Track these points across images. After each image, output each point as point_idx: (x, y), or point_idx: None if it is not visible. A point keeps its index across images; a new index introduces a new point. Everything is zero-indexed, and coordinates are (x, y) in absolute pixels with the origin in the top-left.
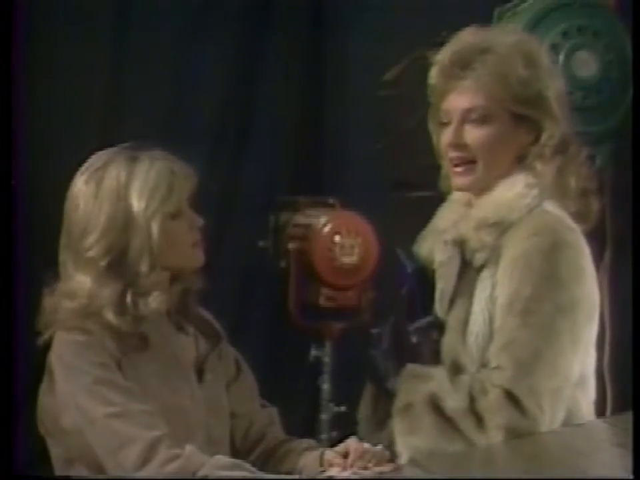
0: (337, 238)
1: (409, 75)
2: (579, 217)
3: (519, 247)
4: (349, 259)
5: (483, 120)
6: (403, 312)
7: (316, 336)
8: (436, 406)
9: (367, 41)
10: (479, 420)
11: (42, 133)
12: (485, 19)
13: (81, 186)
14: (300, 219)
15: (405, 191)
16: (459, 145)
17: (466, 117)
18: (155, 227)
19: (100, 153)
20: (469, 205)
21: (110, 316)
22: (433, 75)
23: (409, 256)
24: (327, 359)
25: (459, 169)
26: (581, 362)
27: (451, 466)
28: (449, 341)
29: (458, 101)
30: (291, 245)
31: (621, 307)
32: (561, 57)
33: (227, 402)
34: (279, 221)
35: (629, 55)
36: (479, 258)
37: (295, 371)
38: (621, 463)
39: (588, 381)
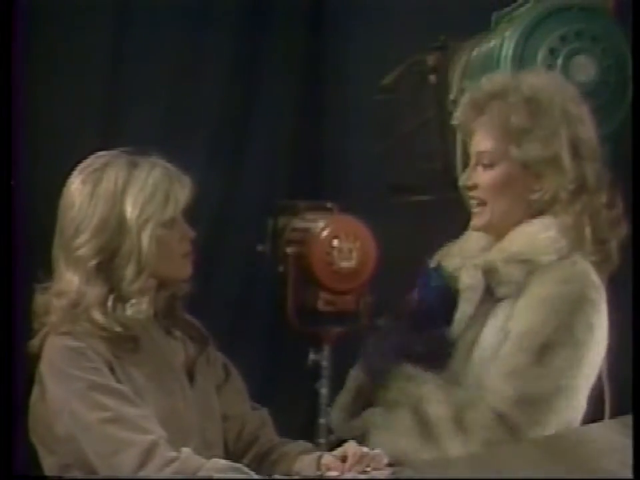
0: (336, 242)
1: (407, 80)
2: (598, 265)
3: (547, 290)
4: (347, 263)
5: (490, 163)
6: (415, 319)
7: (314, 340)
8: (421, 409)
9: (366, 44)
10: (462, 430)
11: (42, 133)
12: (483, 23)
13: (78, 185)
14: (298, 223)
15: (404, 195)
16: (469, 186)
17: (479, 160)
18: (145, 235)
19: (100, 153)
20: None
21: (97, 316)
22: (456, 116)
23: (437, 270)
24: (325, 363)
25: (475, 210)
26: (572, 407)
27: (447, 468)
28: (453, 363)
29: (474, 143)
30: (289, 249)
31: (619, 311)
32: (559, 62)
33: (218, 405)
34: (277, 225)
35: (628, 59)
36: (502, 290)
37: (293, 375)
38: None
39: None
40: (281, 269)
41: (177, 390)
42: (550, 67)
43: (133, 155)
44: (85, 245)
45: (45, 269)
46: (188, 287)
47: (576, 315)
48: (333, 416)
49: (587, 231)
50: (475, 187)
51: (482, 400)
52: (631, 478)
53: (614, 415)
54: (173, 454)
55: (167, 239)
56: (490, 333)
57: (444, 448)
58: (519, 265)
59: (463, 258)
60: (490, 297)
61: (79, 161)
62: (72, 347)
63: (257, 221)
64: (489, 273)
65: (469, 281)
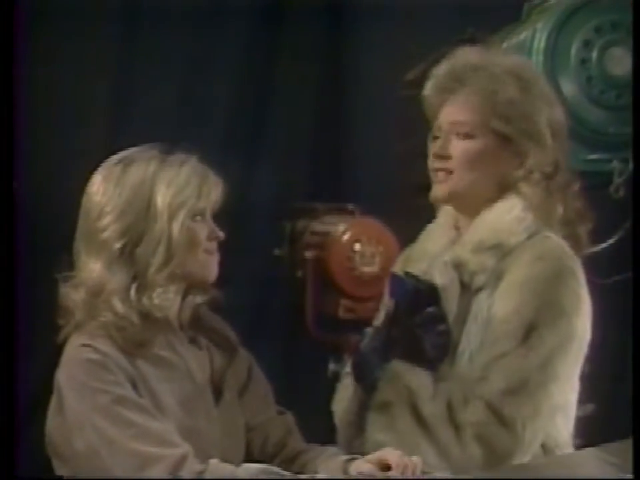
0: (357, 246)
1: None
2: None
3: (523, 271)
4: (369, 269)
5: (468, 134)
6: (406, 307)
7: (334, 349)
8: (414, 407)
9: (389, 39)
10: (457, 429)
11: (43, 134)
12: (513, 15)
13: (106, 173)
14: (317, 226)
15: (428, 197)
16: (443, 156)
17: (453, 130)
18: (177, 222)
19: (130, 149)
20: (457, 228)
21: (117, 304)
22: (428, 87)
23: (404, 277)
24: None
25: (437, 178)
26: (565, 392)
27: None
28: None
29: (447, 113)
30: (308, 254)
31: None
32: (594, 54)
33: (242, 417)
34: (295, 229)
35: None
36: (478, 280)
37: (312, 386)
38: None
39: (570, 410)
40: (299, 274)
41: (200, 409)
42: (584, 59)
43: (163, 149)
44: (109, 226)
45: (50, 269)
46: (214, 293)
47: (559, 288)
48: (342, 435)
49: (559, 208)
50: (449, 157)
51: (472, 393)
52: (631, 478)
53: None
54: (201, 466)
55: (196, 231)
56: (476, 326)
57: (443, 448)
58: (488, 251)
59: (430, 258)
60: (467, 290)
61: (80, 161)
62: (93, 359)
63: (274, 224)
64: (459, 267)
65: (443, 280)
